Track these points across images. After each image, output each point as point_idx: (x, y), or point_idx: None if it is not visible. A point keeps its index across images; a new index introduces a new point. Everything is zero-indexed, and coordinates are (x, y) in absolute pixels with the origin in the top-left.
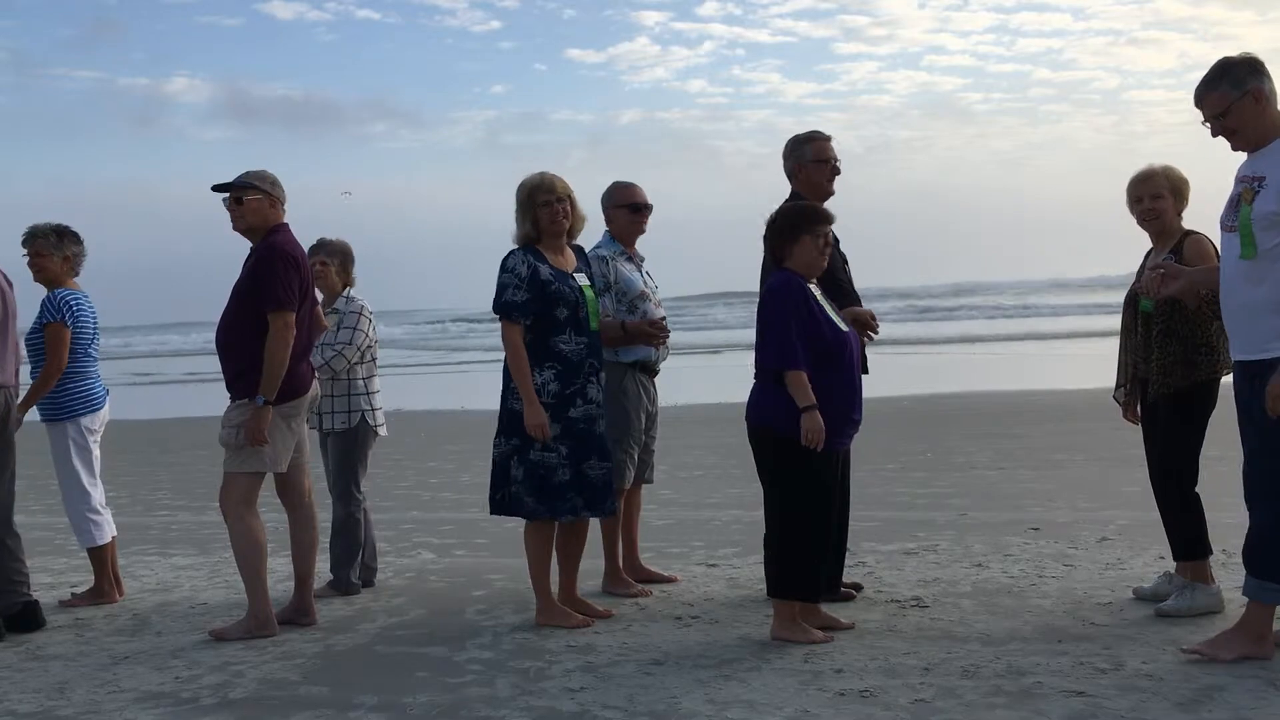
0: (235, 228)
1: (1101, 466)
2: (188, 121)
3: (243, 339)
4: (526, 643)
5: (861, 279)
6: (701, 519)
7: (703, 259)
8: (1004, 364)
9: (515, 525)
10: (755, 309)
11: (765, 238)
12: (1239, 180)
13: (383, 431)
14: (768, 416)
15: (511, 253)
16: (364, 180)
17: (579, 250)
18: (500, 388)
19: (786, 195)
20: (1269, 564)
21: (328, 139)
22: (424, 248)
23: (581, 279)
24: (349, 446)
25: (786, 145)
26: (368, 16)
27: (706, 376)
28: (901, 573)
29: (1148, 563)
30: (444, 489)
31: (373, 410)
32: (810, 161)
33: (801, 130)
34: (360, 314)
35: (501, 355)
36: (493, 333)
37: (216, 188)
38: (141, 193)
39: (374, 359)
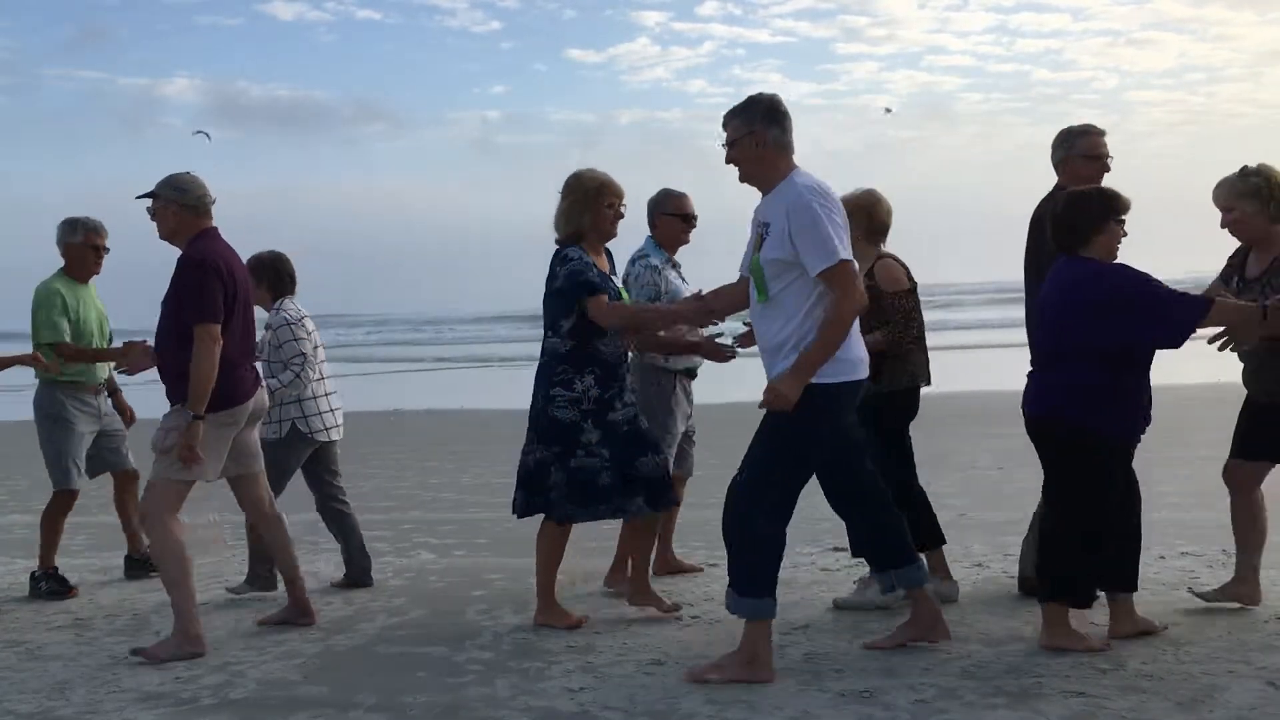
0: (159, 235)
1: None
2: (187, 122)
3: (175, 349)
4: (526, 643)
5: None
6: (701, 519)
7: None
8: (1004, 364)
9: (516, 525)
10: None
11: (1058, 224)
12: (753, 225)
13: (324, 437)
14: (1063, 408)
15: (568, 248)
16: (364, 181)
17: (609, 253)
18: (534, 392)
19: (1053, 186)
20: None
21: (326, 139)
22: (427, 248)
23: (616, 280)
24: (274, 456)
25: (1058, 136)
26: (369, 17)
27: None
28: None
29: (1148, 562)
30: (444, 489)
31: (305, 417)
32: (1079, 155)
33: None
34: (288, 325)
35: (509, 358)
36: (481, 340)
37: (140, 196)
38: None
39: (316, 364)
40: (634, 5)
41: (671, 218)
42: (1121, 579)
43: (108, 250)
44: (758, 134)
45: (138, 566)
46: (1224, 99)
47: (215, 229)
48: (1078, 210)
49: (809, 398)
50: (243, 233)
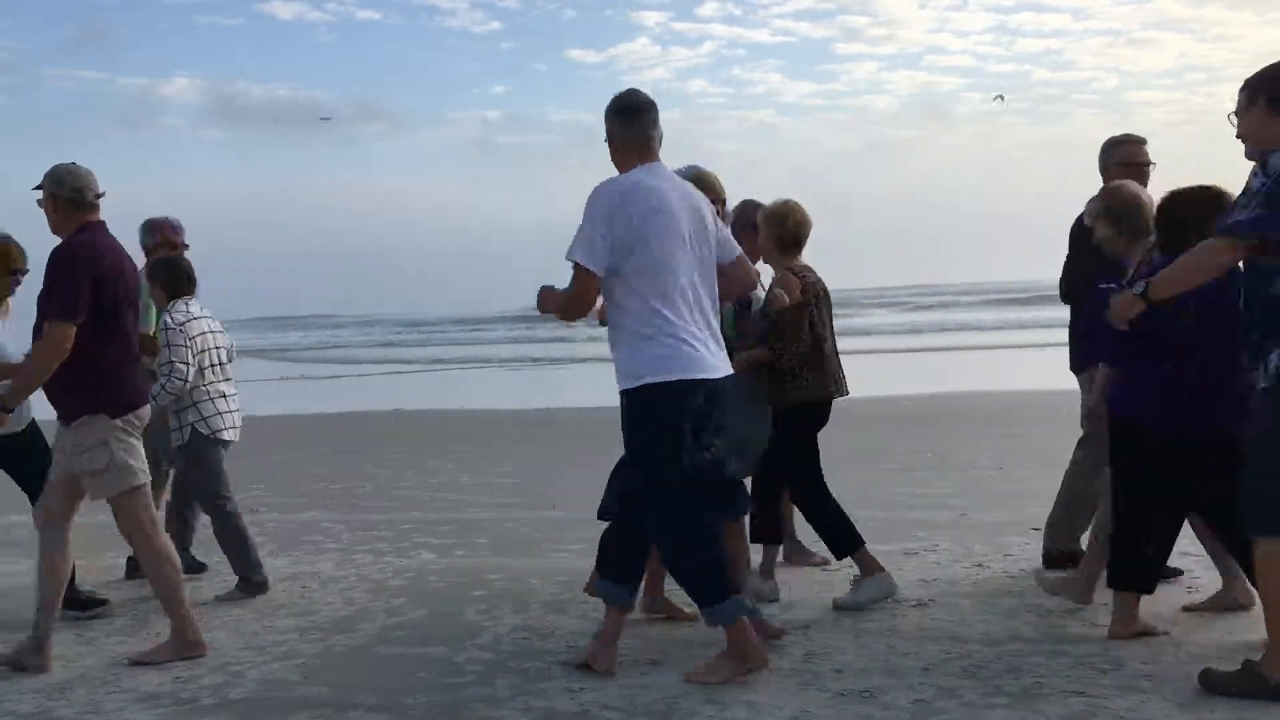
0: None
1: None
2: (187, 122)
3: None
4: (526, 643)
5: (863, 278)
6: None
7: None
8: (1004, 364)
9: (516, 526)
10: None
11: (1170, 222)
12: None
13: (227, 436)
14: (1118, 403)
15: None
16: (364, 181)
17: None
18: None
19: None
20: (690, 584)
21: (326, 139)
22: (427, 248)
23: None
24: (188, 461)
25: (1102, 146)
26: (369, 17)
27: None
28: (902, 573)
29: None
30: (444, 489)
31: (205, 419)
32: (1115, 164)
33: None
34: (168, 329)
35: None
36: (481, 340)
37: (34, 189)
38: (144, 192)
39: (210, 366)
40: (634, 5)
41: (743, 230)
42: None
43: (187, 246)
44: (608, 131)
45: (140, 568)
46: (1224, 99)
47: (100, 223)
48: (1190, 207)
49: (631, 399)
50: (243, 232)
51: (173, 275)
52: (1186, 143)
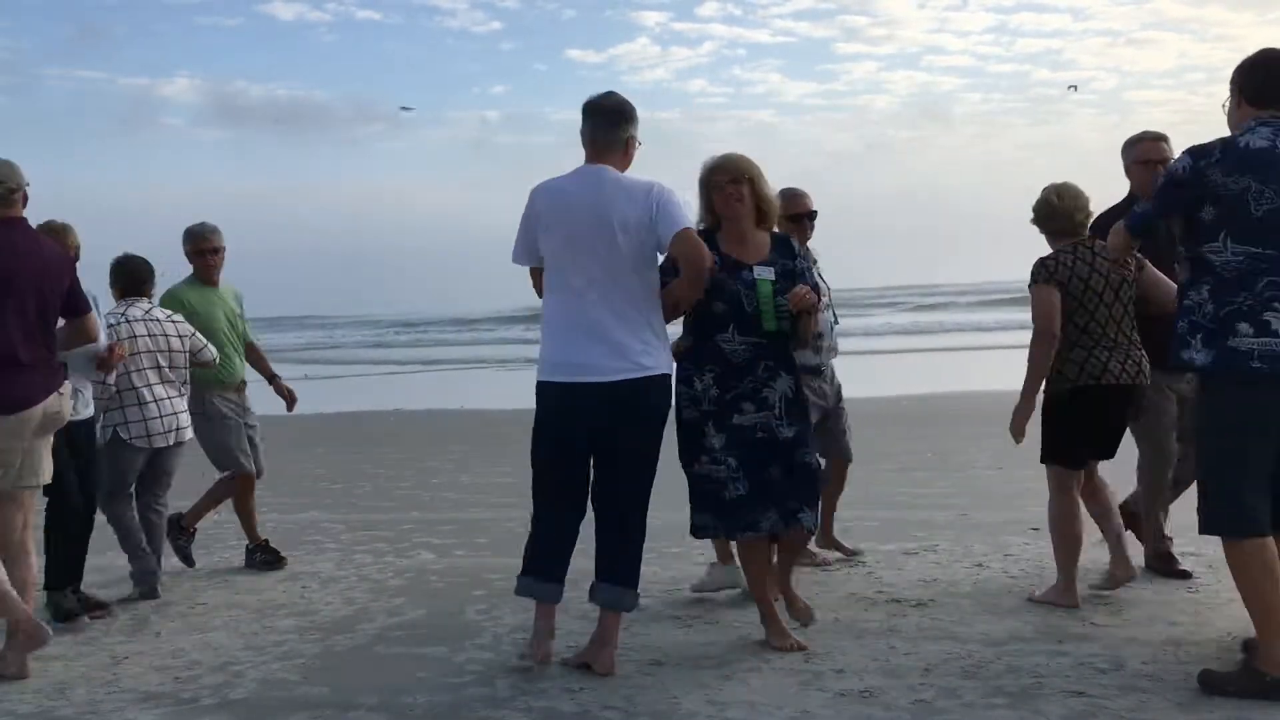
0: None
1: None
2: (187, 123)
3: None
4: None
5: (861, 278)
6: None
7: None
8: (1004, 364)
9: (516, 525)
10: None
11: None
12: None
13: (150, 444)
14: None
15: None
16: (365, 181)
17: (781, 240)
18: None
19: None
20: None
21: (325, 139)
22: (426, 249)
23: (763, 272)
24: (105, 459)
25: (1123, 145)
26: (368, 17)
27: None
28: (901, 573)
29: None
30: (444, 489)
31: (128, 424)
32: (1135, 163)
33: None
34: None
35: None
36: (481, 340)
37: None
38: (140, 193)
39: (139, 369)
40: (634, 5)
41: (779, 219)
42: None
43: (220, 249)
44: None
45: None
46: (1224, 99)
47: (15, 219)
48: None
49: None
50: (243, 232)
51: (129, 279)
52: (1187, 142)
